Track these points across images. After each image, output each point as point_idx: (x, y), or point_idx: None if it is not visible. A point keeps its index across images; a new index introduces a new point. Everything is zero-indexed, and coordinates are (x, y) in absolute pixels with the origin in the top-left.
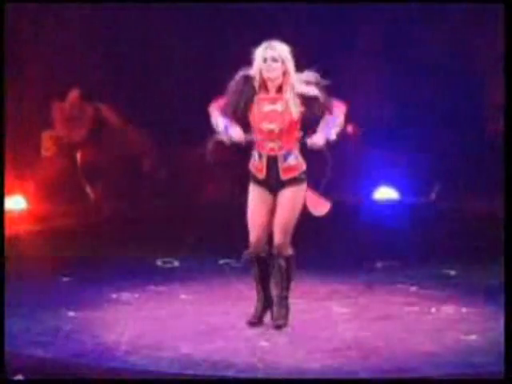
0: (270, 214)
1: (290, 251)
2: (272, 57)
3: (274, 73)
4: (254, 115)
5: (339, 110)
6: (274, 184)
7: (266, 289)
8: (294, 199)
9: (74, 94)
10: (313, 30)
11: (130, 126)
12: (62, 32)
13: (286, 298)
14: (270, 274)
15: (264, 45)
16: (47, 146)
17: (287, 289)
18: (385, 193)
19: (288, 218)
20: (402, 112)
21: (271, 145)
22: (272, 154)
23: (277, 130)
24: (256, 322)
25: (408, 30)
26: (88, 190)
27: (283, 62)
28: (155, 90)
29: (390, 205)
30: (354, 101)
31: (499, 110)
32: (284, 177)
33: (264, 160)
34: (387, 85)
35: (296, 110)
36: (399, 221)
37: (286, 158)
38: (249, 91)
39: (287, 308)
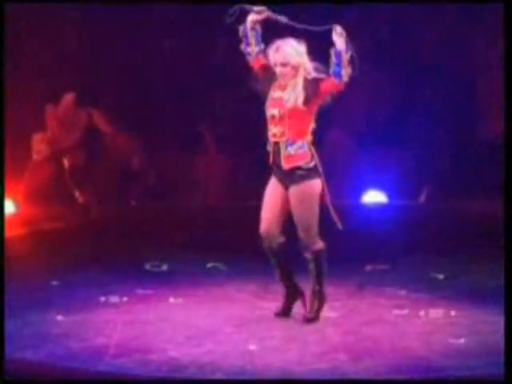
0: (281, 206)
1: (316, 246)
2: (281, 63)
3: (284, 77)
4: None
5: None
6: (279, 173)
7: (289, 280)
8: (303, 198)
9: (68, 99)
10: (310, 31)
11: (119, 130)
12: (61, 32)
13: (319, 291)
14: (290, 266)
15: (274, 46)
16: (38, 148)
17: (319, 283)
18: (373, 196)
19: (302, 217)
20: (392, 115)
21: (274, 130)
22: (274, 140)
23: (277, 116)
24: (280, 313)
25: (407, 30)
26: (77, 193)
27: (292, 65)
28: (145, 95)
29: (378, 208)
30: (345, 103)
31: (499, 110)
32: (285, 165)
33: (271, 146)
34: (379, 87)
35: (298, 98)
36: (388, 224)
37: (287, 146)
38: (268, 80)
39: (320, 302)
